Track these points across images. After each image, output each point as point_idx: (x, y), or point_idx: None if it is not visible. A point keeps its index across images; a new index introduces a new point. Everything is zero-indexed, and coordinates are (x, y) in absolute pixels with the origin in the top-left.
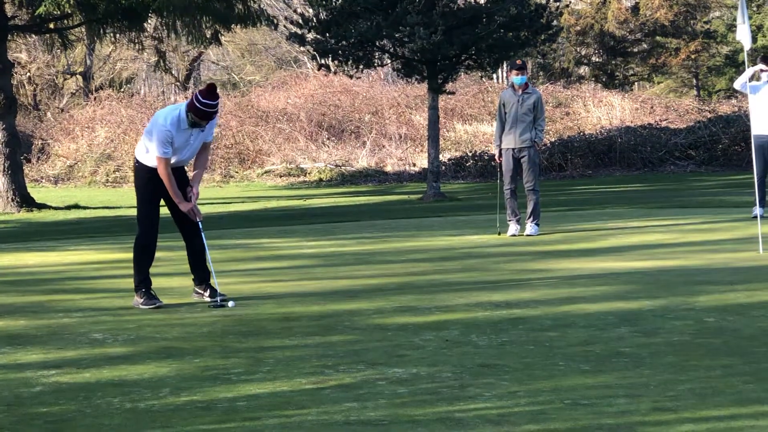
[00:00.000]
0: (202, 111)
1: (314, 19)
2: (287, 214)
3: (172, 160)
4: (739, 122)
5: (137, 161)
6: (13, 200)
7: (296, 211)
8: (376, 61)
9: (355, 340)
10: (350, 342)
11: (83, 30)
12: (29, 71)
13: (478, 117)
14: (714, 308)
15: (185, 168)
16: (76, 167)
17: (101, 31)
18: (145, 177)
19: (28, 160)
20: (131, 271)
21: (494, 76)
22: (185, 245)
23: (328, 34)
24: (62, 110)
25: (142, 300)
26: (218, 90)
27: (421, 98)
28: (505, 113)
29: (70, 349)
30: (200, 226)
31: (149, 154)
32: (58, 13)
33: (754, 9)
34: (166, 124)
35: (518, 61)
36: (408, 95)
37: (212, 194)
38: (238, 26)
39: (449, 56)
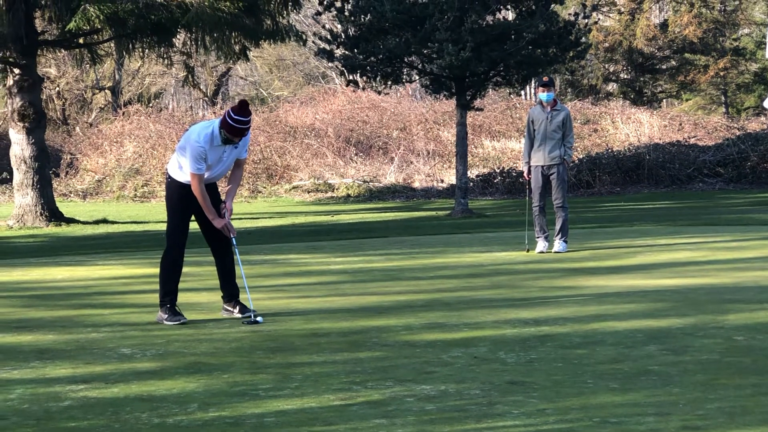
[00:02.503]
0: (234, 128)
1: (343, 35)
2: (315, 229)
3: (205, 176)
4: None
5: (169, 177)
6: (41, 214)
7: (324, 227)
8: (404, 77)
9: (384, 357)
10: (378, 358)
11: (112, 45)
12: (58, 86)
13: (507, 133)
14: (743, 327)
15: (217, 184)
16: (104, 182)
17: (130, 46)
18: (178, 193)
19: (57, 175)
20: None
21: (522, 92)
22: (215, 262)
23: (356, 50)
24: (91, 125)
25: (166, 316)
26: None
27: (449, 114)
28: (534, 130)
29: (99, 364)
30: (234, 242)
31: (183, 170)
32: (88, 28)
33: None
34: (199, 141)
35: (545, 78)
36: (436, 111)
37: (240, 209)
38: (267, 42)
39: (478, 73)
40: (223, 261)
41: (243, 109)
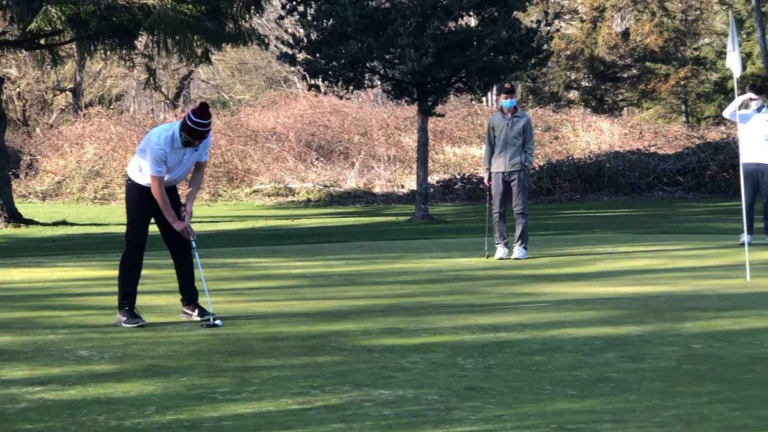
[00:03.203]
0: (195, 130)
1: (305, 39)
2: (275, 233)
3: (165, 178)
4: (728, 149)
5: (129, 179)
6: (0, 216)
7: (284, 231)
8: (366, 82)
9: (342, 361)
10: (337, 363)
11: (74, 46)
12: (19, 87)
13: (468, 140)
14: (701, 335)
15: (177, 186)
16: (64, 183)
17: (92, 47)
18: (138, 195)
19: (17, 176)
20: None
21: (484, 99)
22: (174, 264)
23: (318, 55)
24: (51, 126)
25: (124, 318)
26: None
27: (410, 120)
28: (495, 137)
29: (56, 366)
30: (194, 245)
31: (142, 172)
32: (50, 29)
33: (744, 36)
34: (159, 143)
35: (507, 85)
36: (397, 117)
37: (200, 213)
38: (229, 45)
39: (439, 78)
40: (183, 264)
41: (203, 111)
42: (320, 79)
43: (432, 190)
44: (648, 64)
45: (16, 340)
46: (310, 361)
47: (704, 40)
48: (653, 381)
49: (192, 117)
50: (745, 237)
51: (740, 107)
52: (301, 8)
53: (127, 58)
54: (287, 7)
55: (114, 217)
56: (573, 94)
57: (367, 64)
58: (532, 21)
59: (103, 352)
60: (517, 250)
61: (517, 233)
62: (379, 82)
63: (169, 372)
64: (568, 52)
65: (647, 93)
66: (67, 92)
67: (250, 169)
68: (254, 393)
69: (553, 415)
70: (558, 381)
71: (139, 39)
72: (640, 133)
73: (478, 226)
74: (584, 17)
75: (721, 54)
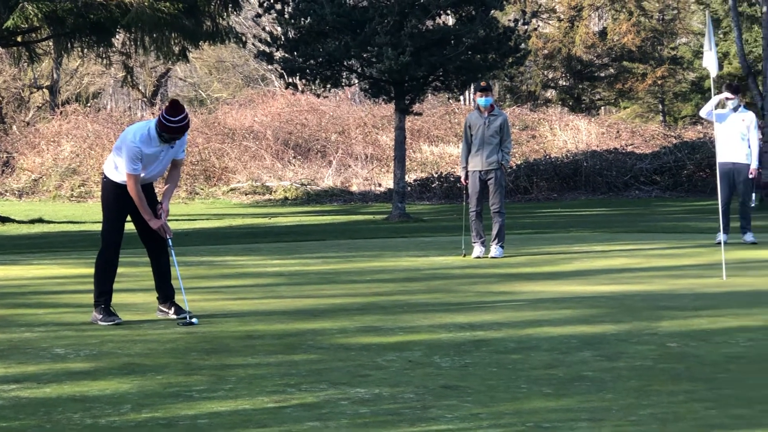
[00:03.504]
0: (171, 127)
1: (282, 37)
2: (252, 232)
3: (141, 176)
4: (704, 148)
5: (105, 177)
6: None
7: (261, 230)
8: (343, 80)
9: (318, 360)
10: (313, 361)
11: (51, 44)
12: None
13: (445, 138)
14: (677, 333)
15: (153, 185)
16: (40, 181)
17: (69, 45)
18: (113, 193)
19: None
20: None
21: (461, 97)
22: (150, 262)
23: (296, 53)
24: (28, 124)
25: (100, 316)
26: (185, 107)
27: (387, 119)
28: (472, 135)
29: (32, 364)
30: (170, 243)
31: (118, 170)
32: (26, 26)
33: (721, 36)
34: (135, 141)
35: (482, 83)
36: (375, 115)
37: (177, 211)
38: (207, 43)
39: (417, 77)
40: (159, 262)
41: (174, 108)
42: (298, 78)
43: (409, 188)
44: (625, 63)
45: None
46: (287, 359)
47: (681, 40)
48: (629, 380)
49: (165, 116)
50: (721, 236)
51: (717, 107)
52: (278, 6)
53: (104, 56)
54: (265, 5)
55: (90, 214)
56: (550, 93)
57: (345, 63)
58: (509, 20)
59: (78, 350)
60: (494, 249)
61: (494, 232)
62: (356, 81)
63: (145, 370)
64: (546, 51)
65: (624, 92)
66: (44, 90)
67: (227, 167)
68: (230, 391)
69: (529, 414)
70: (534, 380)
71: (117, 37)
72: (617, 132)
73: (455, 225)
74: (562, 16)
75: (698, 53)
